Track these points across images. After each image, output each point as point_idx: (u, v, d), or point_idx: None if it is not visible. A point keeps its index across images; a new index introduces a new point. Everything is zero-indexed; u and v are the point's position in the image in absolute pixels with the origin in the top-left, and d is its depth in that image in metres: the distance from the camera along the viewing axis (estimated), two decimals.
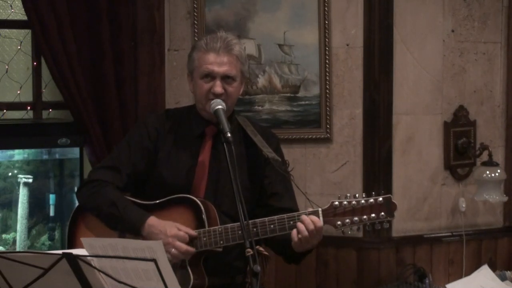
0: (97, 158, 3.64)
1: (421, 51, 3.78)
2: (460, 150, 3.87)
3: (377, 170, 3.72)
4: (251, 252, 2.34)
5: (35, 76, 3.88)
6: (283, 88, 3.76)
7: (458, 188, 3.91)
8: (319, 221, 2.57)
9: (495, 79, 3.97)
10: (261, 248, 2.82)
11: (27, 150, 3.83)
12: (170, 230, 2.63)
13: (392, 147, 3.75)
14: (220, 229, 2.65)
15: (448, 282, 3.79)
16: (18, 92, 3.92)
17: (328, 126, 3.73)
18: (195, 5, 3.77)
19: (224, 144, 2.55)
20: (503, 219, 4.04)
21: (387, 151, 3.74)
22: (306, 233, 2.55)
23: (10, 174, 3.82)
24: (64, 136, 3.68)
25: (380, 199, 2.58)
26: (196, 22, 3.78)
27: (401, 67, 3.75)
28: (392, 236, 3.77)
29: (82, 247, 2.10)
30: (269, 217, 2.64)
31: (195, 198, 2.71)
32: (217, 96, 2.73)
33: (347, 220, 2.57)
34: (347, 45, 3.73)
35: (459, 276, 3.83)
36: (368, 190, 3.58)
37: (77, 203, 2.94)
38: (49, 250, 3.54)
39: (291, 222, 2.61)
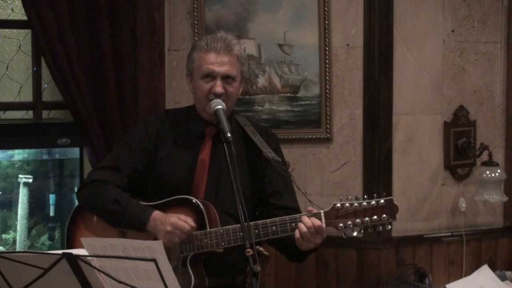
0: (97, 158, 3.65)
1: (421, 51, 3.78)
2: (460, 150, 3.87)
3: (377, 170, 3.72)
4: (251, 252, 2.34)
5: (35, 76, 3.88)
6: (283, 88, 3.76)
7: (458, 188, 3.91)
8: (318, 220, 2.57)
9: (495, 79, 3.97)
10: (261, 248, 2.81)
11: (27, 150, 3.83)
12: (170, 218, 2.63)
13: (392, 147, 3.75)
14: (221, 231, 2.65)
15: (448, 282, 3.79)
16: (18, 92, 3.92)
17: (328, 126, 3.73)
18: (195, 5, 3.77)
19: (224, 144, 2.55)
20: (503, 219, 4.04)
21: (387, 151, 3.74)
22: (306, 230, 2.55)
23: (10, 174, 3.82)
24: (64, 136, 3.68)
25: (382, 201, 2.58)
26: (196, 22, 3.78)
27: (401, 67, 3.75)
28: (392, 236, 3.77)
29: (81, 247, 2.10)
30: (270, 219, 2.63)
31: (195, 200, 2.71)
32: (218, 96, 2.74)
33: (349, 222, 2.57)
34: (347, 45, 3.73)
35: (459, 276, 3.83)
36: (368, 190, 3.61)
37: (77, 203, 2.94)
38: (49, 250, 3.54)
39: (293, 224, 2.61)
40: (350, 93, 3.74)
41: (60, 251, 2.04)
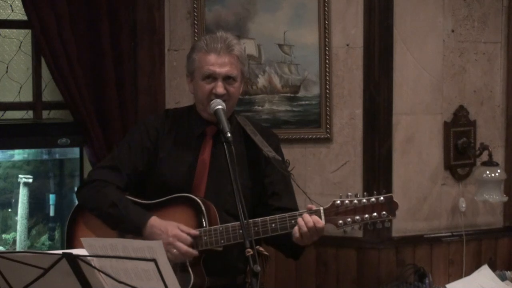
0: (97, 158, 3.64)
1: (421, 51, 3.78)
2: (460, 150, 3.87)
3: (377, 170, 3.72)
4: (251, 252, 2.34)
5: (35, 76, 3.88)
6: (283, 88, 3.76)
7: (458, 188, 3.91)
8: (320, 221, 2.57)
9: (495, 79, 3.97)
10: (261, 248, 2.82)
11: (27, 150, 3.83)
12: (172, 230, 2.63)
13: (392, 147, 3.75)
14: (221, 228, 2.66)
15: (448, 282, 3.79)
16: (18, 92, 3.92)
17: (328, 126, 3.73)
18: (195, 5, 3.77)
19: (224, 144, 2.55)
20: (503, 219, 4.03)
21: (387, 151, 3.74)
22: (305, 229, 2.56)
23: (10, 174, 3.82)
24: (64, 136, 3.67)
25: (382, 198, 2.59)
26: (196, 22, 3.78)
27: (401, 67, 3.75)
28: (392, 236, 3.77)
29: (81, 246, 2.10)
30: (270, 216, 2.64)
31: (195, 197, 2.71)
32: (219, 96, 2.74)
33: (349, 219, 2.58)
34: (347, 45, 3.73)
35: (459, 276, 3.83)
36: (368, 190, 3.57)
37: (77, 203, 2.94)
38: (49, 250, 3.54)
39: (293, 221, 2.61)
40: (350, 93, 3.74)
41: (60, 251, 2.04)
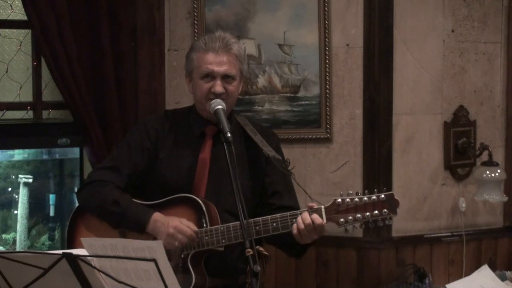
0: (97, 158, 3.65)
1: (421, 51, 3.78)
2: (460, 150, 3.87)
3: (377, 170, 3.72)
4: (251, 252, 2.34)
5: (35, 76, 3.88)
6: (283, 88, 3.76)
7: (458, 188, 3.91)
8: (319, 219, 2.57)
9: (495, 79, 3.97)
10: (261, 248, 2.81)
11: (27, 150, 3.83)
12: (173, 221, 2.63)
13: (392, 147, 3.75)
14: (221, 228, 2.66)
15: (448, 282, 3.79)
16: (18, 92, 3.92)
17: (328, 126, 3.73)
18: (195, 5, 3.77)
19: (224, 143, 2.55)
20: (503, 219, 4.03)
21: (387, 151, 3.74)
22: (302, 226, 2.56)
23: (10, 174, 3.82)
24: (64, 136, 3.67)
25: (383, 196, 2.59)
26: (196, 22, 3.78)
27: (401, 67, 3.75)
28: (392, 236, 3.77)
29: (82, 247, 2.10)
30: (271, 215, 2.64)
31: (196, 197, 2.71)
32: (218, 95, 2.74)
33: (350, 217, 2.58)
34: (347, 45, 3.73)
35: (459, 276, 3.83)
36: (368, 190, 3.58)
37: (77, 203, 2.94)
38: (49, 250, 3.54)
39: (294, 220, 2.62)
40: (350, 93, 3.74)
41: (60, 251, 2.04)
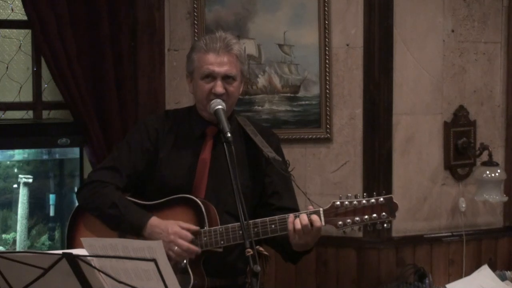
0: (97, 158, 3.65)
1: (421, 51, 3.78)
2: (460, 150, 3.87)
3: (377, 170, 3.72)
4: (251, 252, 2.34)
5: (35, 76, 3.88)
6: (283, 88, 3.76)
7: (458, 188, 3.91)
8: (318, 221, 2.57)
9: (495, 79, 3.97)
10: (261, 248, 2.81)
11: (27, 150, 3.83)
12: (172, 227, 2.63)
13: (392, 147, 3.75)
14: (220, 229, 2.65)
15: (448, 282, 3.79)
16: (18, 92, 3.92)
17: (328, 126, 3.73)
18: (195, 5, 3.77)
19: (224, 144, 2.55)
20: (503, 219, 4.03)
21: (387, 151, 3.74)
22: (299, 226, 2.55)
23: (10, 174, 3.82)
24: (64, 136, 3.67)
25: (382, 199, 2.58)
26: (196, 22, 3.78)
27: (401, 67, 3.75)
28: (392, 236, 3.77)
29: (81, 247, 2.10)
30: (270, 217, 2.64)
31: (195, 198, 2.71)
32: (218, 96, 2.74)
33: (349, 220, 2.58)
34: (347, 45, 3.73)
35: (459, 276, 3.83)
36: (368, 190, 3.59)
37: (77, 203, 2.94)
38: (49, 250, 3.54)
39: None
40: (350, 93, 3.74)
41: (60, 251, 2.04)
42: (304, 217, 2.57)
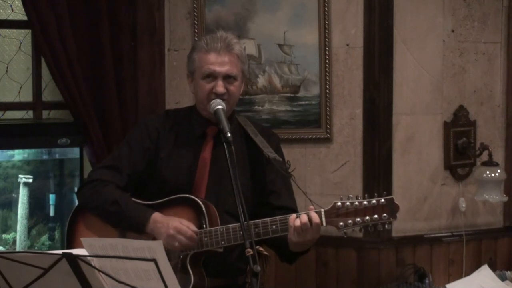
0: (97, 158, 3.64)
1: (421, 51, 3.78)
2: (460, 150, 3.87)
3: (377, 170, 3.72)
4: (251, 252, 2.34)
5: (35, 76, 3.88)
6: (283, 88, 3.76)
7: (458, 188, 3.91)
8: (317, 218, 2.57)
9: (495, 79, 3.97)
10: (261, 248, 2.82)
11: (27, 150, 3.83)
12: (173, 222, 2.63)
13: (392, 147, 3.75)
14: (221, 229, 2.65)
15: (448, 282, 3.79)
16: (18, 92, 3.92)
17: (328, 126, 3.74)
18: (195, 5, 3.77)
19: (224, 144, 2.55)
20: (503, 219, 4.04)
21: (387, 151, 3.74)
22: (298, 223, 2.55)
23: (10, 174, 3.82)
24: (64, 136, 3.67)
25: (383, 200, 2.58)
26: (196, 22, 3.78)
27: (401, 67, 3.75)
28: (392, 236, 3.77)
29: (81, 247, 2.10)
30: (271, 218, 2.63)
31: (196, 198, 2.71)
32: (219, 96, 2.73)
33: (349, 221, 2.57)
34: (347, 45, 3.73)
35: (459, 276, 3.83)
36: (368, 190, 3.60)
37: (77, 203, 2.94)
38: (49, 250, 3.54)
39: None
40: (350, 93, 3.74)
41: (60, 251, 2.04)
42: (304, 216, 2.57)
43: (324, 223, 2.59)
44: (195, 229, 2.65)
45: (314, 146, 3.78)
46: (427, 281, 3.67)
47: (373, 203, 2.58)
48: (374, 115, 3.72)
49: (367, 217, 2.57)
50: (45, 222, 3.89)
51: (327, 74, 3.70)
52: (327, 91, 3.71)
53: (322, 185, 3.77)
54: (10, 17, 3.91)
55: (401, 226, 3.74)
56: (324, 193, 3.74)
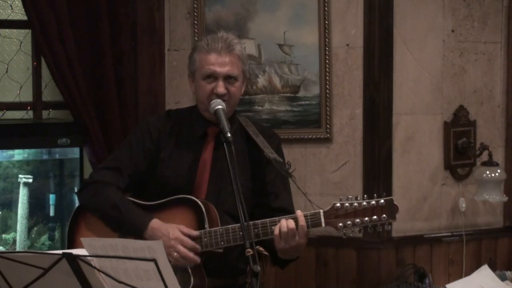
0: (97, 158, 3.64)
1: (421, 51, 3.78)
2: (460, 150, 3.87)
3: (377, 170, 3.72)
4: (251, 252, 2.34)
5: (35, 76, 3.88)
6: (283, 88, 3.76)
7: (458, 188, 3.91)
8: (303, 220, 2.56)
9: (495, 79, 3.97)
10: (261, 248, 2.81)
11: (27, 150, 3.83)
12: (173, 232, 2.62)
13: (392, 147, 3.75)
14: (221, 230, 2.65)
15: (448, 282, 3.79)
16: (18, 92, 3.92)
17: (328, 126, 3.73)
18: (195, 5, 3.77)
19: (224, 144, 2.55)
20: (503, 219, 4.04)
21: (387, 151, 3.74)
22: (285, 229, 2.55)
23: (10, 174, 3.82)
24: (64, 136, 3.67)
25: (382, 201, 2.58)
26: (196, 22, 3.78)
27: (401, 67, 3.75)
28: (392, 236, 3.77)
29: (82, 247, 2.10)
30: (270, 219, 2.63)
31: (196, 199, 2.71)
32: (220, 96, 2.73)
33: (349, 222, 2.57)
34: (347, 45, 3.73)
35: (459, 276, 3.83)
36: (368, 190, 3.61)
37: (77, 203, 2.94)
38: (49, 250, 3.54)
39: None
40: (350, 93, 3.74)
41: (60, 251, 2.04)
42: (290, 221, 2.57)
43: (323, 224, 2.59)
44: (195, 233, 2.63)
45: (314, 146, 3.78)
46: (427, 281, 3.67)
47: (373, 204, 2.58)
48: (374, 115, 3.72)
49: (366, 218, 2.57)
50: (45, 222, 3.89)
51: (327, 74, 3.70)
52: (327, 91, 3.71)
53: (322, 185, 3.77)
54: (10, 17, 3.91)
55: (401, 226, 3.74)
56: (324, 193, 3.74)
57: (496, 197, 3.76)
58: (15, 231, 3.80)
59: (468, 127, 3.90)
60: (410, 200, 3.79)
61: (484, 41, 3.92)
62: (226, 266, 2.78)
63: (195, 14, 3.78)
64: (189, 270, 2.64)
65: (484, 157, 3.83)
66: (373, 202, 2.58)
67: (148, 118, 3.08)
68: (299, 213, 2.60)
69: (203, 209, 2.68)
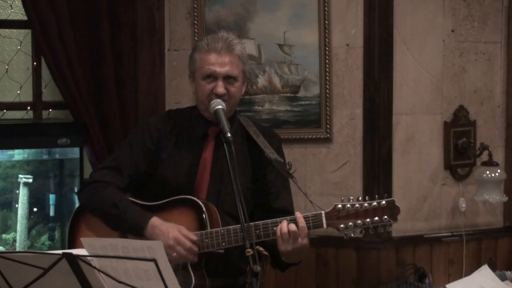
0: (97, 158, 3.64)
1: (421, 51, 3.79)
2: (460, 150, 3.87)
3: (377, 170, 3.72)
4: (251, 252, 2.34)
5: (35, 76, 3.88)
6: (283, 88, 3.76)
7: (458, 188, 3.91)
8: (303, 222, 2.56)
9: (495, 79, 3.97)
10: (261, 248, 2.80)
11: (27, 150, 3.83)
12: (172, 232, 2.62)
13: (392, 147, 3.75)
14: (222, 231, 2.65)
15: (448, 282, 3.79)
16: (18, 92, 3.92)
17: (328, 126, 3.74)
18: (195, 5, 3.77)
19: (224, 144, 2.55)
20: (503, 219, 4.04)
21: (387, 151, 3.74)
22: (285, 230, 2.55)
23: (10, 174, 3.82)
24: (64, 136, 3.67)
25: (384, 202, 2.58)
26: (196, 22, 3.78)
27: (401, 67, 3.75)
28: (392, 236, 3.77)
29: (82, 247, 2.10)
30: (271, 219, 2.63)
31: (197, 199, 2.70)
32: (220, 96, 2.73)
33: (350, 223, 2.57)
34: (347, 45, 3.73)
35: (459, 276, 3.83)
36: (368, 190, 3.61)
37: (77, 203, 2.94)
38: (49, 250, 3.54)
39: None
40: (350, 93, 3.74)
41: (60, 251, 2.04)
42: (292, 224, 2.57)
43: (325, 225, 2.59)
44: (194, 238, 2.63)
45: (314, 146, 3.78)
46: (427, 281, 3.67)
47: (374, 205, 2.58)
48: (374, 115, 3.72)
49: (368, 219, 2.57)
50: (45, 222, 3.89)
51: (327, 74, 3.70)
52: (327, 91, 3.71)
53: (322, 185, 3.77)
54: (10, 17, 3.91)
55: (401, 226, 3.74)
56: (324, 193, 3.74)
57: (496, 197, 3.76)
58: (15, 231, 3.80)
59: (468, 127, 3.90)
60: (410, 200, 3.79)
61: (484, 41, 3.92)
62: (227, 266, 2.77)
63: (195, 14, 3.78)
64: (191, 271, 2.64)
65: (484, 157, 3.83)
66: (375, 203, 2.58)
67: (149, 118, 3.08)
68: (298, 215, 2.59)
69: (204, 210, 2.67)
